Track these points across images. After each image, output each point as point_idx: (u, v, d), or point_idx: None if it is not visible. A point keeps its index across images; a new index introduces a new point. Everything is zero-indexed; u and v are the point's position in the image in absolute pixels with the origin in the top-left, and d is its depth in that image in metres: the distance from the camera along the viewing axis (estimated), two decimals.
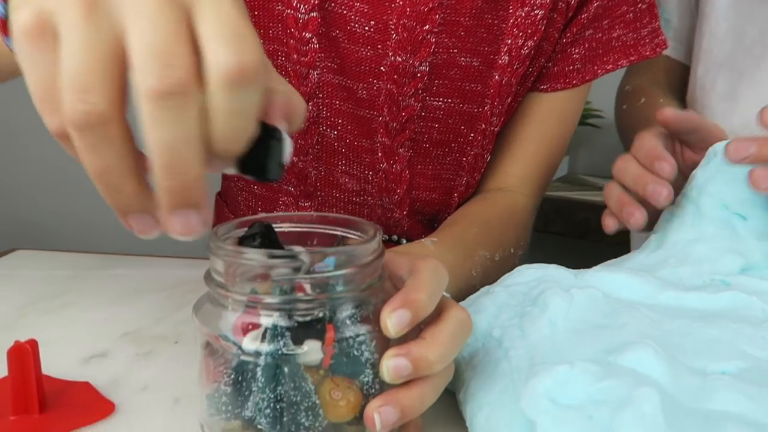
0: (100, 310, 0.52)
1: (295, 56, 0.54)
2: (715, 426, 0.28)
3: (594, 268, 0.46)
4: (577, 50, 0.60)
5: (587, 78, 0.60)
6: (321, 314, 0.30)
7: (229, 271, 0.31)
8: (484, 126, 0.58)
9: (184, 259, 0.66)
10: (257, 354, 0.30)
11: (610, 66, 0.60)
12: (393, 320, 0.30)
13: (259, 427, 0.30)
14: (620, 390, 0.28)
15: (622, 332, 0.35)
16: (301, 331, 0.30)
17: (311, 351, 0.30)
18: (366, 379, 0.31)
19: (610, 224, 0.50)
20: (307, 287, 0.30)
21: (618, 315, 0.37)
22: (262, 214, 0.47)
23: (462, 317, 0.33)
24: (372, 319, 0.32)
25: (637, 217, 0.47)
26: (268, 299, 0.30)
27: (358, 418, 0.32)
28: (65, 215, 1.32)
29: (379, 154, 0.57)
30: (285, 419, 0.30)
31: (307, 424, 0.30)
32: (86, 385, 0.39)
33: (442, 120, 0.57)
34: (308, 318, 0.30)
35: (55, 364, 0.40)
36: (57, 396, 0.38)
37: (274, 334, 0.29)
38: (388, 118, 0.56)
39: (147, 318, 0.51)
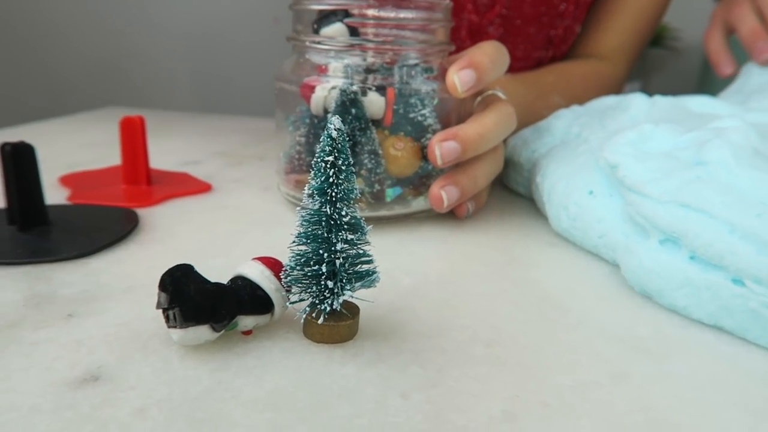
0: (186, 139, 0.55)
1: None
2: None
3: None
4: None
5: None
6: (387, 60, 0.32)
7: (309, 21, 0.33)
8: None
9: (254, 117, 0.69)
10: (330, 93, 0.32)
11: None
12: (461, 77, 0.30)
13: None
14: (707, 135, 0.28)
15: (708, 123, 0.35)
16: (370, 76, 0.32)
17: (375, 101, 0.32)
18: (426, 143, 0.33)
19: (727, 69, 0.47)
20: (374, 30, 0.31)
21: (702, 117, 0.37)
22: None
23: (506, 108, 0.33)
24: (437, 80, 0.33)
25: None
26: (341, 39, 0.31)
27: (417, 184, 0.34)
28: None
29: (463, 32, 0.54)
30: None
31: (369, 166, 0.32)
32: (185, 174, 0.43)
33: None
34: (376, 61, 0.32)
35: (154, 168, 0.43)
36: (161, 178, 0.41)
37: (345, 72, 0.31)
38: None
39: (234, 145, 0.54)
